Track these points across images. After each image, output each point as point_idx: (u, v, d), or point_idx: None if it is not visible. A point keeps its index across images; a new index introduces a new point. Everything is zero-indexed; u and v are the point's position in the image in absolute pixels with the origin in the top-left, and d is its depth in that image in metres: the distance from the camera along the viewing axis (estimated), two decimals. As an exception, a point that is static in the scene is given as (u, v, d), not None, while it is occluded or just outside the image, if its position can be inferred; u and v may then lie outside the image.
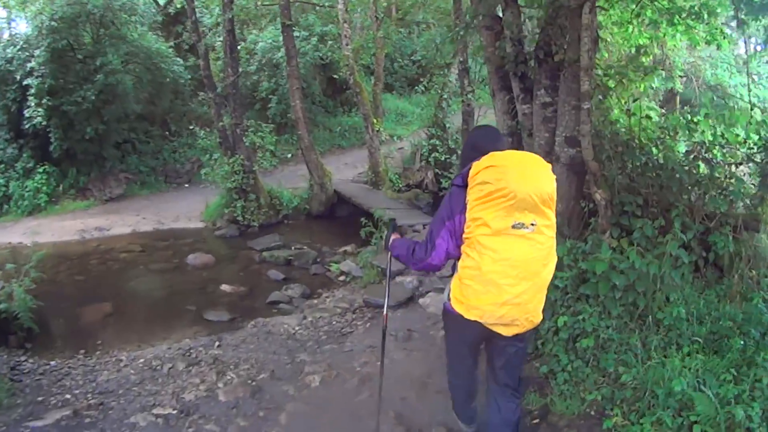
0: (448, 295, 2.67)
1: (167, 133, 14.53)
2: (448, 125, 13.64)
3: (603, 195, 4.72)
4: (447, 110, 13.57)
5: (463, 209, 2.49)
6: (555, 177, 2.60)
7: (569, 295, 4.23)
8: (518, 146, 5.83)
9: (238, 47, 14.62)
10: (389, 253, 3.04)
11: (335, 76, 15.15)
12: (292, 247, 9.48)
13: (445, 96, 13.36)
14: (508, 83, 5.85)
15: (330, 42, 14.37)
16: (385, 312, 3.40)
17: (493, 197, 2.36)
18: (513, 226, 2.37)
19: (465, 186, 2.52)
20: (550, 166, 2.60)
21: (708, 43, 5.94)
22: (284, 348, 5.37)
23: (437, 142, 13.37)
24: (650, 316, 3.94)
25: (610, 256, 4.05)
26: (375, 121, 12.70)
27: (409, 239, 2.91)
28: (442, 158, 13.35)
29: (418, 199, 13.10)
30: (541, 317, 2.61)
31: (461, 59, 9.10)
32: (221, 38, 11.73)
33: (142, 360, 5.35)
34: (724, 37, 5.80)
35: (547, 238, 2.48)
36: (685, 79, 10.45)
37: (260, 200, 11.02)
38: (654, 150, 4.89)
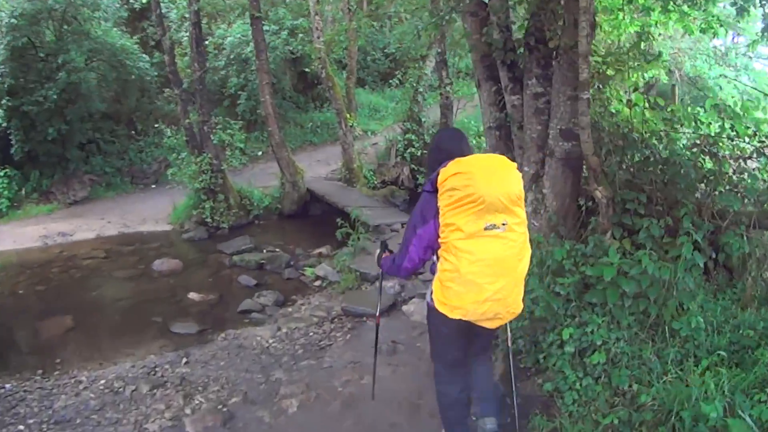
0: (431, 295, 2.73)
1: (133, 132, 13.93)
2: (423, 119, 13.26)
3: (604, 192, 4.36)
4: (423, 104, 13.18)
5: (436, 214, 2.57)
6: (521, 176, 2.72)
7: (573, 303, 3.84)
8: (507, 140, 5.46)
9: (206, 42, 13.99)
10: (381, 271, 3.22)
11: (306, 71, 14.61)
12: (264, 250, 8.95)
13: (421, 89, 12.95)
14: (495, 73, 5.44)
15: (301, 35, 13.80)
16: (377, 314, 3.67)
17: (463, 203, 2.45)
18: (485, 228, 2.47)
19: (435, 191, 2.58)
20: (515, 165, 2.71)
21: (703, 31, 5.63)
22: (257, 364, 4.88)
23: (413, 137, 12.97)
24: (665, 327, 3.58)
25: (618, 261, 3.67)
26: (348, 116, 12.21)
27: (394, 254, 2.98)
28: (418, 153, 12.96)
29: (394, 196, 12.68)
30: (521, 307, 2.71)
31: (439, 50, 8.68)
32: (188, 33, 11.13)
33: (103, 381, 4.83)
34: (721, 25, 5.51)
35: (519, 234, 2.59)
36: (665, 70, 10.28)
37: (230, 200, 10.49)
38: (655, 143, 4.55)
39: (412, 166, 13.09)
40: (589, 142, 4.30)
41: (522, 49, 5.05)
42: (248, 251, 8.87)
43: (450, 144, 2.85)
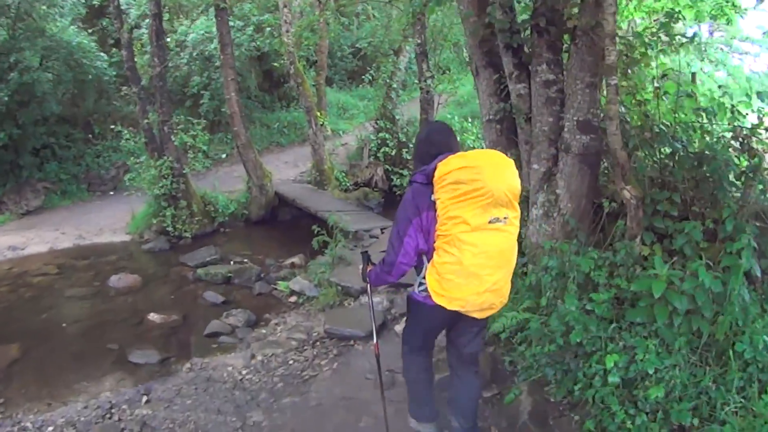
0: (419, 287, 2.71)
1: (90, 136, 12.90)
2: (397, 117, 12.63)
3: (633, 192, 3.80)
4: (396, 101, 12.55)
5: (431, 206, 2.57)
6: (518, 172, 2.74)
7: (613, 324, 3.25)
8: (511, 133, 4.87)
9: (167, 39, 13.09)
10: (368, 285, 3.13)
11: (273, 68, 13.81)
12: (231, 261, 8.15)
13: (395, 85, 12.33)
14: (495, 59, 4.84)
15: (268, 29, 13.00)
16: (375, 341, 3.28)
17: (470, 196, 2.47)
18: (489, 222, 2.51)
19: (428, 183, 2.58)
20: (512, 161, 2.72)
21: (714, 18, 5.18)
22: (230, 403, 4.13)
23: (387, 136, 12.34)
24: (719, 348, 3.03)
25: (667, 273, 3.10)
26: (318, 114, 11.48)
27: (374, 268, 2.95)
28: (393, 153, 12.33)
29: (368, 199, 12.05)
30: (508, 298, 2.80)
31: (419, 41, 8.06)
32: (148, 31, 10.23)
33: (51, 429, 4.06)
34: (736, 11, 5.07)
35: (516, 227, 2.67)
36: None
37: (192, 207, 9.65)
38: (688, 136, 4.02)
39: (387, 166, 12.46)
40: (618, 135, 3.74)
41: (528, 32, 4.47)
42: (214, 263, 8.06)
43: (440, 137, 2.84)
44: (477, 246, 2.50)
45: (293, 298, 6.36)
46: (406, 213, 2.63)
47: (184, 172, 9.52)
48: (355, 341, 4.80)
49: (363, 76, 13.93)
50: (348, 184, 12.01)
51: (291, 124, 15.00)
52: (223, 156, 12.72)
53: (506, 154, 4.77)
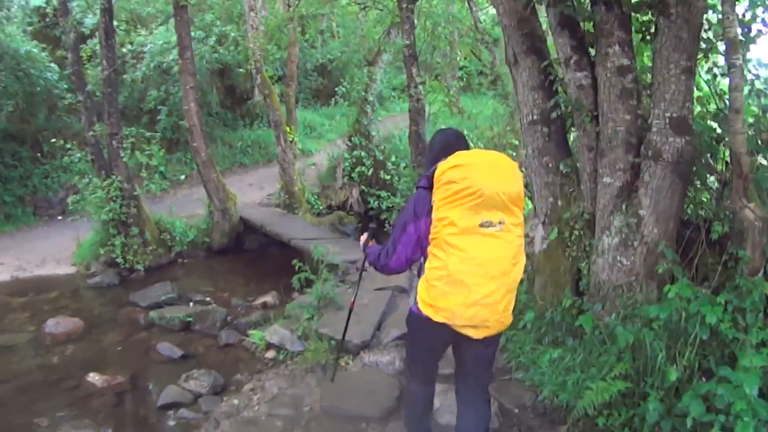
0: (415, 298, 2.47)
1: (39, 154, 11.33)
2: (373, 133, 11.55)
3: (759, 212, 2.78)
4: (372, 116, 11.47)
5: (429, 211, 2.37)
6: (522, 176, 2.49)
7: None
8: (560, 138, 3.81)
9: (124, 50, 11.92)
10: (364, 258, 2.90)
11: (240, 71, 12.54)
12: (191, 302, 6.82)
13: (370, 98, 11.26)
14: (538, 44, 3.81)
15: (233, 34, 11.81)
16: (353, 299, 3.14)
17: (458, 196, 2.26)
18: (481, 225, 2.27)
19: (430, 188, 2.38)
20: (517, 164, 2.44)
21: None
22: None
23: (362, 154, 11.21)
24: None
25: None
26: (288, 129, 10.27)
27: (380, 246, 2.68)
28: (369, 173, 11.21)
29: (343, 224, 10.86)
30: (511, 319, 2.44)
31: (407, 42, 7.04)
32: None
33: None
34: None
35: (516, 237, 2.37)
36: None
37: (146, 235, 8.32)
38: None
39: (363, 187, 11.33)
40: (744, 135, 2.73)
41: (588, 4, 3.46)
42: (170, 303, 6.71)
43: (456, 140, 2.64)
44: (465, 251, 2.26)
45: (271, 353, 5.00)
46: (403, 218, 2.48)
47: (135, 194, 8.17)
48: (367, 424, 3.50)
49: (335, 91, 12.85)
50: (321, 208, 10.80)
51: (255, 143, 13.79)
52: (182, 177, 11.26)
53: (556, 165, 3.79)
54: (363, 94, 11.31)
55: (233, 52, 12.94)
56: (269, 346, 5.06)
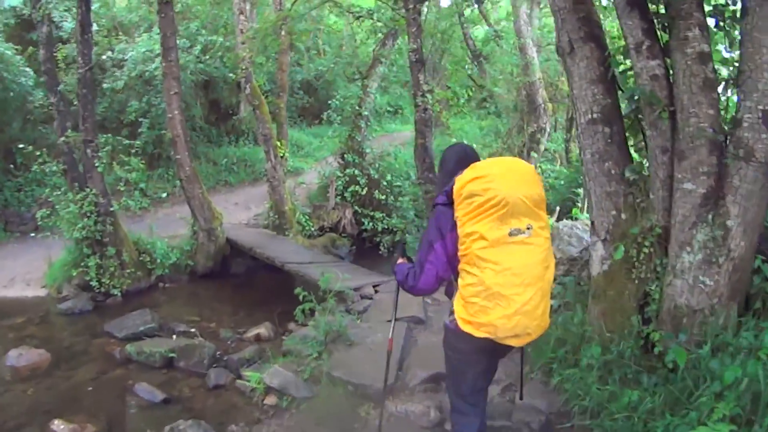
0: (451, 316, 2.45)
1: (12, 166, 10.61)
2: (367, 150, 11.01)
3: None
4: (366, 132, 10.94)
5: (453, 227, 2.38)
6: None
7: None
8: (622, 140, 3.30)
9: (104, 57, 11.28)
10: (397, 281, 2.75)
11: (219, 99, 12.05)
12: (174, 333, 6.06)
13: (365, 113, 10.75)
14: (596, 30, 3.31)
15: (221, 41, 11.24)
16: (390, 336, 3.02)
17: (483, 208, 2.25)
18: (510, 234, 2.25)
19: (450, 203, 2.40)
20: (533, 167, 2.58)
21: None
22: None
23: (356, 172, 10.64)
24: None
25: None
26: (279, 144, 9.65)
27: (409, 265, 2.65)
28: (363, 192, 10.63)
29: (336, 246, 10.26)
30: (548, 322, 2.40)
31: (414, 46, 6.54)
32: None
33: None
34: None
35: (544, 239, 2.36)
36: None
37: (123, 256, 7.57)
38: None
39: (356, 208, 10.73)
40: None
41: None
42: (150, 334, 5.95)
43: (464, 154, 2.66)
44: (498, 263, 2.24)
45: (271, 399, 4.24)
46: (428, 237, 2.46)
47: (112, 209, 7.43)
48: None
49: (324, 107, 12.36)
50: (312, 229, 10.16)
51: (241, 161, 13.19)
52: (164, 195, 10.52)
53: (620, 171, 3.26)
54: (357, 108, 10.82)
55: (219, 64, 12.44)
56: (269, 390, 4.26)
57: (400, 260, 2.74)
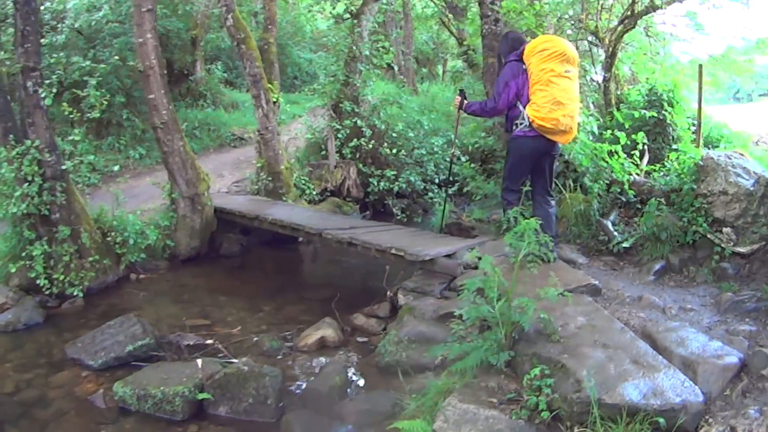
0: (520, 128, 4.04)
1: None
2: (366, 96, 9.04)
3: None
4: (362, 77, 8.88)
5: (523, 72, 4.03)
6: None
7: None
8: None
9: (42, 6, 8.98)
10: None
11: (173, 59, 9.66)
12: (182, 350, 3.92)
13: (366, 52, 8.71)
14: None
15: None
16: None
17: (554, 55, 3.92)
18: (565, 71, 3.94)
19: (519, 60, 4.05)
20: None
21: None
22: None
23: (359, 123, 8.62)
24: None
25: None
26: (271, 86, 7.44)
27: (480, 100, 4.67)
28: (370, 147, 8.64)
29: (344, 212, 8.22)
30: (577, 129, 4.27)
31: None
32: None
33: None
34: None
35: (576, 78, 4.11)
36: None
37: (81, 238, 5.29)
38: None
39: (361, 166, 8.73)
40: None
41: None
42: (144, 357, 3.74)
43: (518, 36, 4.42)
44: (559, 85, 3.89)
45: None
46: (504, 78, 4.06)
47: (63, 168, 5.12)
48: None
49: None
50: (314, 193, 8.10)
51: (203, 125, 11.01)
52: (116, 168, 7.95)
53: None
54: (353, 48, 8.72)
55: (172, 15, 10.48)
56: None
57: (465, 102, 4.45)
